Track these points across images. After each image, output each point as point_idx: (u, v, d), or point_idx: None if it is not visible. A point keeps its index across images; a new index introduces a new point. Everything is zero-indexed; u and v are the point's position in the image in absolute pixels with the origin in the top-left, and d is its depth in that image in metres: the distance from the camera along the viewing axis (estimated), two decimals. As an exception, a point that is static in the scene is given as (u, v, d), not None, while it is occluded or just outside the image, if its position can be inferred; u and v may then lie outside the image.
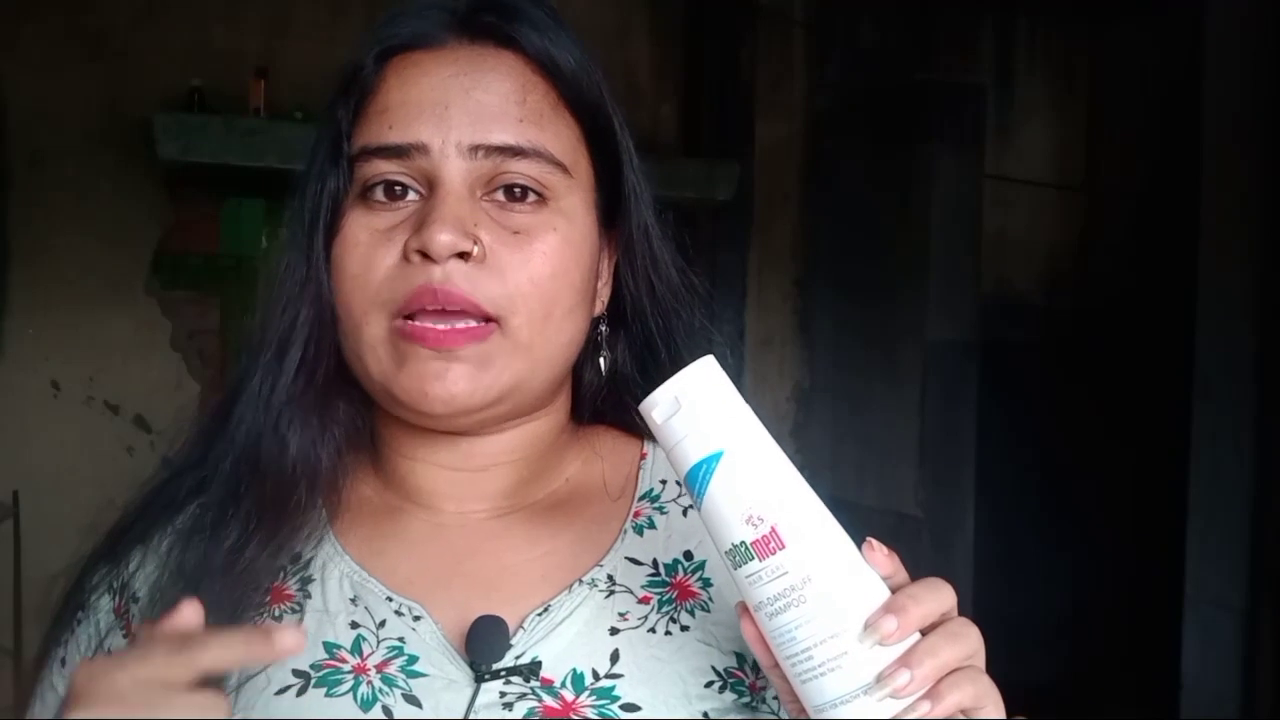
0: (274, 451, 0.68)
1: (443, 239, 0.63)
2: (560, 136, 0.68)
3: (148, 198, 3.22)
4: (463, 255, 0.64)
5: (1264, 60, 2.55)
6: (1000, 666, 0.55)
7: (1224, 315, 2.61)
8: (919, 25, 3.46)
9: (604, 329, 0.74)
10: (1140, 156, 3.74)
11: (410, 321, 0.64)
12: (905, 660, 0.52)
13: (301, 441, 0.68)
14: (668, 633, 0.65)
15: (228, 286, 3.30)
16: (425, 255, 0.63)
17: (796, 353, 3.65)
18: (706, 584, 0.68)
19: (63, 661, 0.70)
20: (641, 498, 0.73)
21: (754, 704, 0.64)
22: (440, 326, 0.64)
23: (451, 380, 0.64)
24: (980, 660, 0.55)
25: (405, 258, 0.64)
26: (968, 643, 0.54)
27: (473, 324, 0.64)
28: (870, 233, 3.41)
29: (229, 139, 2.96)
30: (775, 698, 0.63)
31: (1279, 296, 2.51)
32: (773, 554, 0.53)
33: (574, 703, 0.61)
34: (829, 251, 3.55)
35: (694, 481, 0.55)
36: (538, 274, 0.65)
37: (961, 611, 0.56)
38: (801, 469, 0.56)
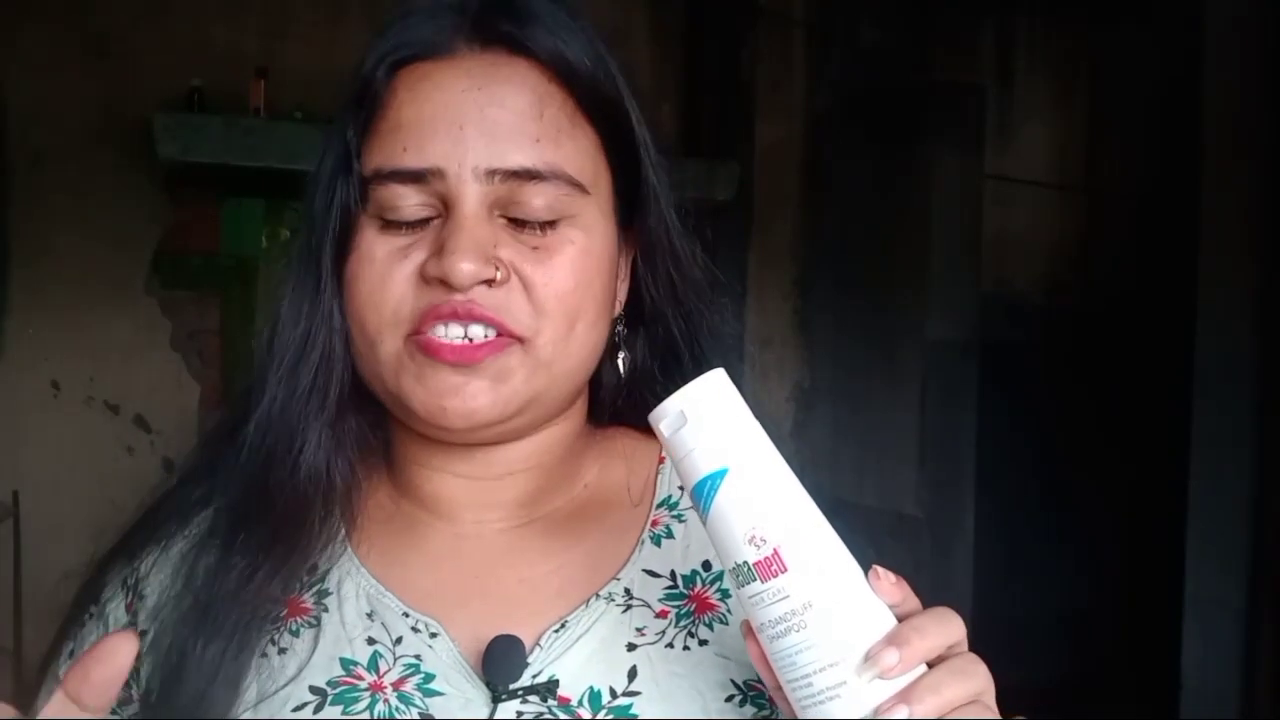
0: (286, 476, 0.66)
1: (465, 268, 0.61)
2: (579, 151, 0.66)
3: (148, 198, 3.21)
4: (486, 282, 0.62)
5: (1264, 60, 2.55)
6: (1000, 666, 0.55)
7: (1224, 316, 2.61)
8: (919, 25, 3.46)
9: (622, 329, 0.72)
10: (1140, 156, 3.75)
11: (426, 335, 0.62)
12: (905, 695, 0.50)
13: (315, 465, 0.67)
14: (686, 647, 0.64)
15: (228, 286, 3.30)
16: (445, 283, 0.62)
17: (796, 353, 3.65)
18: (725, 595, 0.67)
19: (71, 654, 0.69)
20: (660, 505, 0.71)
21: (774, 714, 0.62)
22: (458, 342, 0.62)
23: (470, 395, 0.63)
24: (989, 698, 0.53)
25: (423, 279, 0.63)
26: (974, 681, 0.52)
27: (491, 335, 0.63)
28: (870, 233, 3.41)
29: (229, 139, 2.96)
30: None
31: (1279, 297, 2.51)
32: (775, 576, 0.52)
33: None
34: (829, 251, 3.55)
35: (700, 497, 0.54)
36: (561, 289, 0.64)
37: (961, 611, 0.55)
38: (802, 469, 0.55)
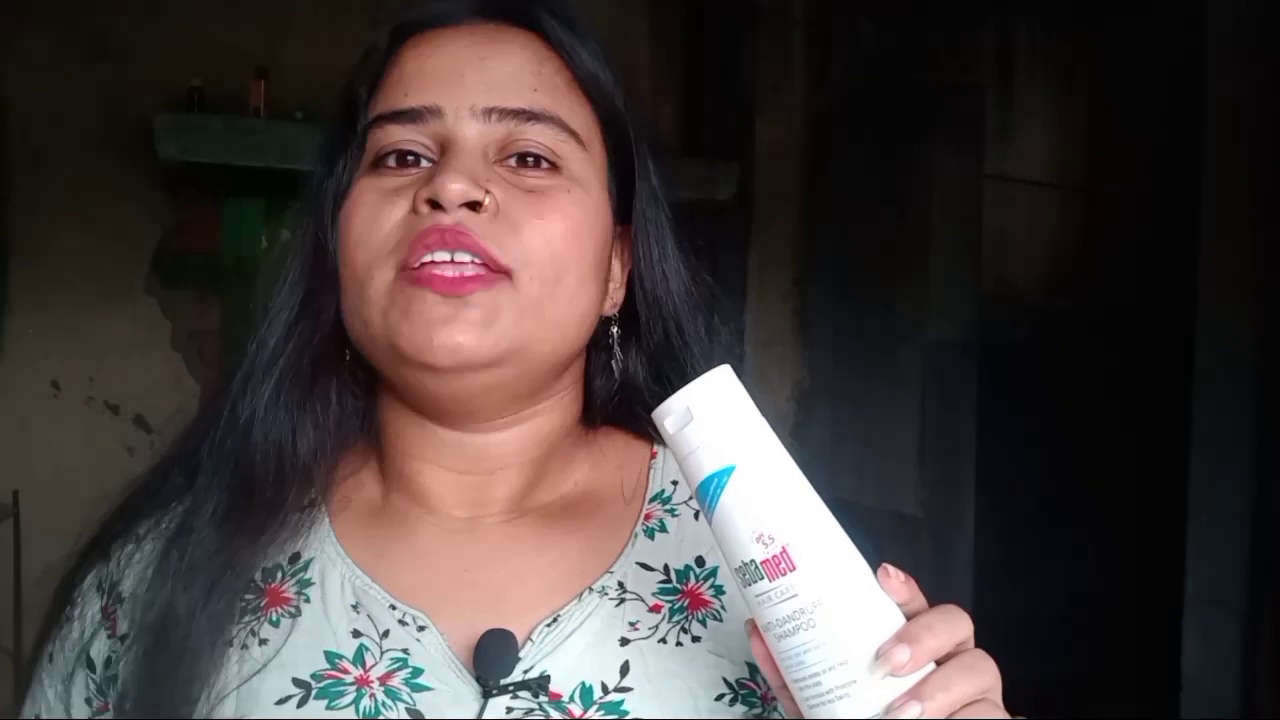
0: (251, 426, 0.67)
1: (454, 186, 0.62)
2: (575, 111, 0.68)
3: (148, 198, 3.21)
4: (474, 206, 0.62)
5: (1264, 60, 2.55)
6: (1000, 666, 0.55)
7: (1224, 315, 2.61)
8: (919, 26, 3.46)
9: (616, 330, 0.72)
10: (1140, 156, 3.75)
11: (416, 269, 0.62)
12: (916, 693, 0.50)
13: (282, 416, 0.67)
14: (679, 643, 0.64)
15: (228, 286, 3.29)
16: (435, 205, 0.62)
17: (796, 353, 3.65)
18: (719, 592, 0.66)
19: (50, 657, 0.69)
20: (652, 499, 0.71)
21: (766, 713, 0.62)
22: (450, 274, 0.62)
23: (459, 328, 0.61)
24: (997, 695, 0.53)
25: (414, 209, 0.63)
26: (983, 677, 0.52)
27: (482, 271, 0.62)
28: (870, 233, 3.41)
29: (229, 139, 2.96)
30: None
31: (1279, 296, 2.51)
32: (783, 575, 0.51)
33: (581, 717, 0.60)
34: (829, 251, 3.54)
35: (705, 495, 0.53)
36: (551, 232, 0.64)
37: (965, 610, 0.55)
38: (801, 469, 0.54)
